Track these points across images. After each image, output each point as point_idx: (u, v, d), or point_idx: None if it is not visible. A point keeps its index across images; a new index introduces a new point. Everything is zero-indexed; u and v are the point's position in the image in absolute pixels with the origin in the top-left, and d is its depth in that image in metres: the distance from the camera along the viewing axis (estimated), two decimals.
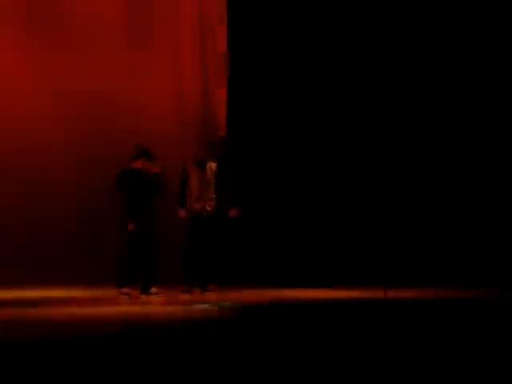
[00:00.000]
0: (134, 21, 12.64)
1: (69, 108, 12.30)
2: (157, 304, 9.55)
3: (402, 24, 12.38)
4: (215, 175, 10.53)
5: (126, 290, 10.12)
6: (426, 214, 12.20)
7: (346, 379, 4.95)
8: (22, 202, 12.06)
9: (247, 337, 6.23)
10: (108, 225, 11.24)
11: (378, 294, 9.75)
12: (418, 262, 11.79)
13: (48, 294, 10.40)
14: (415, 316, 7.78)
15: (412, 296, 9.83)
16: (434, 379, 4.96)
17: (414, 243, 12.01)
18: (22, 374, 4.89)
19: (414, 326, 6.92)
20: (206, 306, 8.75)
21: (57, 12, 12.39)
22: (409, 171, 12.26)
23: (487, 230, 12.00)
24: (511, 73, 12.18)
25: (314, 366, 5.15)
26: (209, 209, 10.47)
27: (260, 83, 12.73)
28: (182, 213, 10.45)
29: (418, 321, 7.33)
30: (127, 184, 10.23)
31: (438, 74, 12.37)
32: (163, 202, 10.43)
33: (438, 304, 9.08)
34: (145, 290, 10.20)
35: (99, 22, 12.51)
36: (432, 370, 5.09)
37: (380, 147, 12.33)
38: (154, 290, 10.21)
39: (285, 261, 12.24)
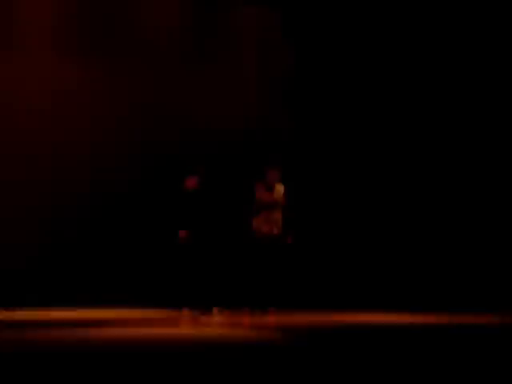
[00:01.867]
0: (199, 46, 12.69)
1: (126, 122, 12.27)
2: (215, 326, 9.47)
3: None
4: (283, 198, 10.53)
5: (186, 310, 10.10)
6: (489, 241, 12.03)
7: None
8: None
9: (309, 363, 6.11)
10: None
11: (442, 319, 9.55)
12: (482, 288, 11.61)
13: (112, 314, 10.52)
14: (481, 342, 7.57)
15: (477, 321, 9.62)
16: None
17: (479, 268, 11.85)
18: None
19: (481, 352, 6.71)
20: None
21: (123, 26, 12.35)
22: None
23: None
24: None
25: None
26: (276, 232, 10.45)
27: (323, 104, 12.73)
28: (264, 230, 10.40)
29: (484, 347, 7.12)
30: (186, 204, 10.21)
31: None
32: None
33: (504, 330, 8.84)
34: (206, 311, 10.17)
35: (163, 36, 12.54)
36: None
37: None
38: (215, 310, 10.14)
39: (347, 284, 12.16)
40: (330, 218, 12.52)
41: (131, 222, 11.88)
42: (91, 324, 9.19)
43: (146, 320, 9.93)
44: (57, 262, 11.73)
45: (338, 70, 12.75)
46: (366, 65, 12.75)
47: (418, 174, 12.40)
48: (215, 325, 9.49)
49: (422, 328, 9.01)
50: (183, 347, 7.13)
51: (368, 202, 12.56)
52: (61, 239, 11.80)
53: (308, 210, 12.26)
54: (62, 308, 11.21)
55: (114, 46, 12.22)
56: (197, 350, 6.91)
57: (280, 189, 10.61)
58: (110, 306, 11.32)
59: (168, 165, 11.90)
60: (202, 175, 10.46)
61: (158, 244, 11.45)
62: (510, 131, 12.11)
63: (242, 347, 7.11)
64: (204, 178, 10.44)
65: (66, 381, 5.09)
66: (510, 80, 12.12)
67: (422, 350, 6.85)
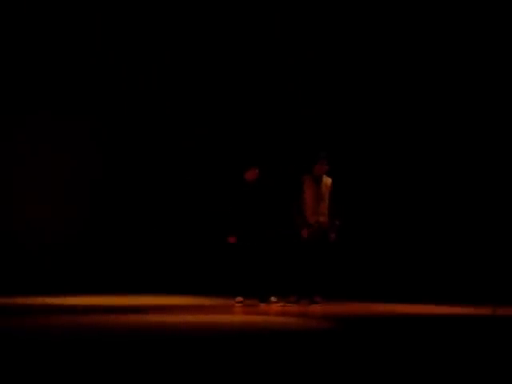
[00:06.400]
0: None
1: None
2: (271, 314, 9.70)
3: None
4: (330, 190, 10.68)
5: (239, 298, 10.38)
6: None
7: None
8: None
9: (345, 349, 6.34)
10: None
11: (486, 311, 9.69)
12: None
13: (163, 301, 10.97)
14: None
15: None
16: None
17: None
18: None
19: None
20: None
21: None
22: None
23: None
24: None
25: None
26: (322, 223, 10.58)
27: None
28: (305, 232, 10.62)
29: None
30: (245, 196, 10.51)
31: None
32: None
33: None
34: (263, 300, 10.43)
35: None
36: None
37: None
38: (272, 298, 10.44)
39: (391, 276, 12.30)
40: (371, 211, 12.68)
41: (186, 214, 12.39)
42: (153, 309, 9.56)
43: (201, 307, 10.28)
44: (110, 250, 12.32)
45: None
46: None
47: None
48: (271, 313, 9.70)
49: (471, 319, 9.17)
50: (241, 333, 7.40)
51: (412, 196, 12.68)
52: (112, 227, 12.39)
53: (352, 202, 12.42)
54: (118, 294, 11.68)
55: None
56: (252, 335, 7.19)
57: (327, 181, 10.73)
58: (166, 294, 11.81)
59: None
60: (261, 168, 10.63)
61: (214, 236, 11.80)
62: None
63: (294, 334, 7.36)
64: (263, 171, 10.61)
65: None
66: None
67: (469, 341, 7.07)
